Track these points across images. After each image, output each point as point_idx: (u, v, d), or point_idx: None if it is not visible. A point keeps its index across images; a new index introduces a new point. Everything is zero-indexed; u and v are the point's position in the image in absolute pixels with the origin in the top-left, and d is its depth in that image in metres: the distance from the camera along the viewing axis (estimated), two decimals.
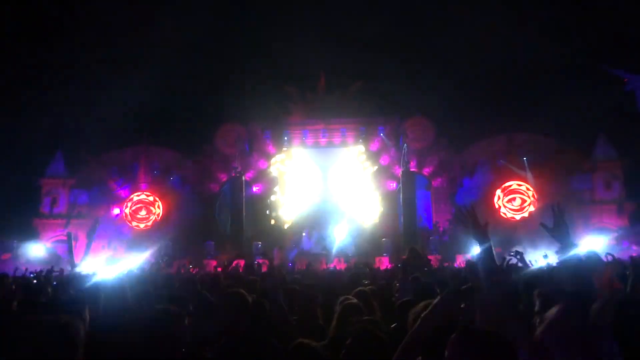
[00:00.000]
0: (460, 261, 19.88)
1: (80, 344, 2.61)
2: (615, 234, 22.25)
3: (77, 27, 30.39)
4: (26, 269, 14.41)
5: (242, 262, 15.47)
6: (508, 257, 7.98)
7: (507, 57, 29.35)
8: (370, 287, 5.99)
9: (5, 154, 26.35)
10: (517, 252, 8.83)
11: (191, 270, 18.95)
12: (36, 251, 22.89)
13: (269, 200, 27.03)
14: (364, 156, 27.35)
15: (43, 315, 3.18)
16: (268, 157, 27.34)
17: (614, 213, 24.43)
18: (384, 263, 21.28)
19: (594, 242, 18.99)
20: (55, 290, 7.56)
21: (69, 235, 21.54)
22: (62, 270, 11.75)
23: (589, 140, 25.77)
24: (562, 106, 26.92)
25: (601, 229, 23.93)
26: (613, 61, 23.39)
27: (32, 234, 25.18)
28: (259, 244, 24.71)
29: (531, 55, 29.51)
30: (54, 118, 28.96)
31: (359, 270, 11.73)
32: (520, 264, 8.39)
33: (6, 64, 30.62)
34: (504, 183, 25.84)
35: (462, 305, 2.89)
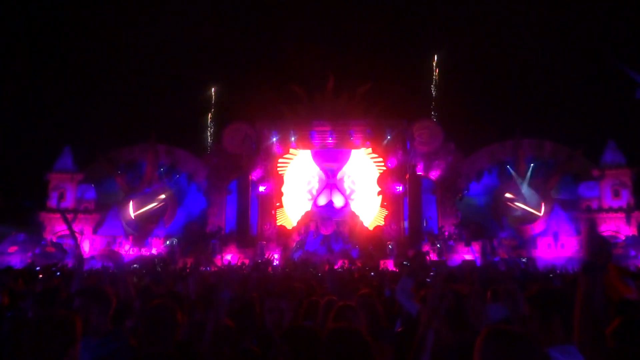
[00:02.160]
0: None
1: (77, 339, 2.66)
2: (623, 243, 22.06)
3: (87, 26, 30.62)
4: (32, 262, 14.48)
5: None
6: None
7: (517, 62, 29.28)
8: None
9: (15, 148, 26.58)
10: (529, 259, 8.85)
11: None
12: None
13: (274, 200, 27.04)
14: (371, 158, 27.30)
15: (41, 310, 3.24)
16: (275, 157, 27.33)
17: (622, 222, 24.20)
18: (389, 266, 21.20)
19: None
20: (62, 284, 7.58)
21: (63, 215, 20.55)
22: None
23: (597, 147, 25.57)
24: (571, 112, 26.84)
25: (608, 238, 23.75)
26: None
27: (39, 227, 25.34)
28: (264, 244, 24.74)
29: (540, 61, 29.43)
30: (63, 114, 29.20)
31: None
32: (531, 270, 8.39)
33: (17, 61, 30.88)
34: (510, 188, 25.74)
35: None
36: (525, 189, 25.01)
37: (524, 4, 27.98)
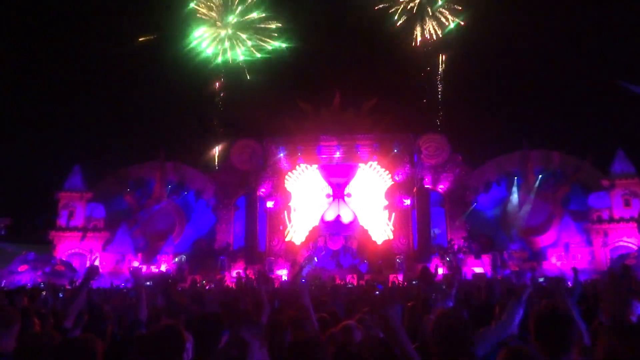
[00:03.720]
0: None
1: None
2: (635, 253, 21.74)
3: (98, 46, 31.10)
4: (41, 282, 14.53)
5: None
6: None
7: (523, 72, 29.26)
8: None
9: (25, 167, 26.87)
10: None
11: (205, 285, 19.02)
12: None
13: (282, 216, 27.05)
14: (378, 172, 27.28)
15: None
16: (282, 172, 27.40)
17: (634, 232, 23.85)
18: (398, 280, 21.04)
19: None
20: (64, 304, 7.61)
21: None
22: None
23: (606, 157, 25.35)
24: (579, 122, 26.65)
25: (620, 248, 23.43)
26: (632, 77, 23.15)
27: (49, 246, 25.50)
28: (272, 260, 24.71)
29: (547, 71, 29.38)
30: (73, 133, 29.57)
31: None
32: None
33: (27, 80, 31.42)
34: (519, 200, 25.55)
35: None
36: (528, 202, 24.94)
37: (529, 14, 28.07)
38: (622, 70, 28.20)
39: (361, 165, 27.48)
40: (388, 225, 26.64)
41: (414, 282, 14.92)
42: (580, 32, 26.45)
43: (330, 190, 27.43)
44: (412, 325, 5.79)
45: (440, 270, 22.65)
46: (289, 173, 27.53)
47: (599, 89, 26.96)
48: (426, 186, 26.35)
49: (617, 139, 25.36)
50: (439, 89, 30.19)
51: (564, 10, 27.33)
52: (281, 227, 26.88)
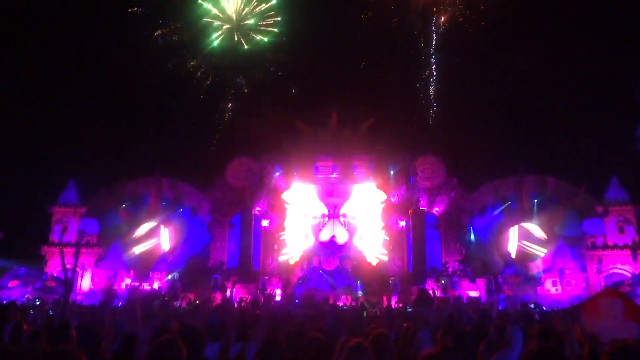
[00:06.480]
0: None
1: None
2: (629, 281, 21.77)
3: (93, 60, 31.26)
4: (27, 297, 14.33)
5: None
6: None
7: (520, 98, 29.60)
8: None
9: (19, 181, 26.73)
10: (536, 305, 8.73)
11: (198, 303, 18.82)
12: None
13: (277, 235, 26.94)
14: (374, 193, 27.29)
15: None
16: (278, 191, 27.36)
17: (628, 259, 23.94)
18: (392, 303, 20.90)
19: None
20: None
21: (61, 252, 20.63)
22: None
23: (601, 183, 25.55)
24: (574, 149, 26.90)
25: (614, 275, 23.47)
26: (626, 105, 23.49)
27: (40, 261, 25.22)
28: (266, 279, 24.54)
29: (544, 98, 29.74)
30: (68, 147, 29.50)
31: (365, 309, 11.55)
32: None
33: (23, 94, 31.44)
34: (514, 224, 25.64)
35: None
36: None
37: (526, 41, 28.50)
38: (617, 96, 28.63)
39: (357, 185, 27.48)
40: (383, 246, 26.56)
41: (408, 309, 14.78)
42: (576, 59, 26.85)
43: (325, 210, 27.37)
44: (405, 344, 5.81)
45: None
46: (285, 192, 27.49)
47: (595, 116, 27.28)
48: (421, 208, 26.38)
49: (612, 166, 25.62)
50: (432, 111, 30.43)
51: (561, 37, 27.80)
52: (276, 246, 26.74)
